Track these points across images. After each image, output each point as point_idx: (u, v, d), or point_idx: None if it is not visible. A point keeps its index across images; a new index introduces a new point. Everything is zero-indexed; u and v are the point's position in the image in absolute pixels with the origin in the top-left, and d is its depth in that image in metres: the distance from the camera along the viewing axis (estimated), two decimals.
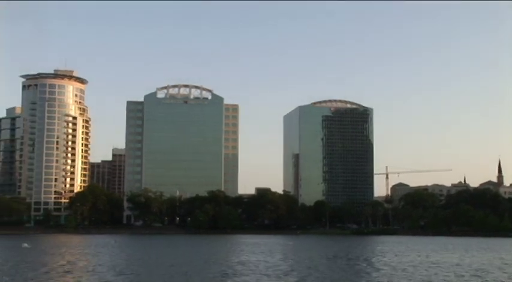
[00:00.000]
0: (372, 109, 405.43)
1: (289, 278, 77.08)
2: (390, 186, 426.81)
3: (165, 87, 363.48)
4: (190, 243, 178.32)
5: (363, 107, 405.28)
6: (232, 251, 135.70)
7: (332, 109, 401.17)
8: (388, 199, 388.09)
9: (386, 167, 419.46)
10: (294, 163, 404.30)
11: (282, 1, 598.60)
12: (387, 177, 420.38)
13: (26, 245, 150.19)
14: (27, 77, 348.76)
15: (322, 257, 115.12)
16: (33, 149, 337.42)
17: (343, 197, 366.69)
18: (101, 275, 78.79)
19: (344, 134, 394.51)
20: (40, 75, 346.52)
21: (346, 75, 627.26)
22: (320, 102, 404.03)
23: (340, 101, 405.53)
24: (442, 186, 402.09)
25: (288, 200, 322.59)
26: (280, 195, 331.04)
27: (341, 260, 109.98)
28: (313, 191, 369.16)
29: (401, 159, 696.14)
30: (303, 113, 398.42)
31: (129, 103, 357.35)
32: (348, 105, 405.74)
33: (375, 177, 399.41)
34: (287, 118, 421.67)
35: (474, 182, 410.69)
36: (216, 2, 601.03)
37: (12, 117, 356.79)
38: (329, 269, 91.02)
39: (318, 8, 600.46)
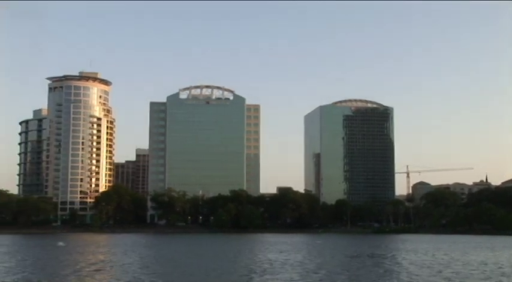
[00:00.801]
0: (392, 108, 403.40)
1: (339, 276, 75.26)
2: (411, 184, 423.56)
3: (188, 88, 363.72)
4: (216, 242, 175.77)
5: (384, 106, 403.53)
6: (267, 250, 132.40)
7: (353, 109, 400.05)
8: (409, 198, 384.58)
9: (407, 166, 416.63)
10: (315, 162, 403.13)
11: (301, 0, 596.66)
12: (408, 176, 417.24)
13: (61, 243, 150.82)
14: (53, 79, 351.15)
15: (358, 256, 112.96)
16: (59, 149, 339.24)
17: (365, 195, 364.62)
18: (139, 272, 77.91)
19: (365, 133, 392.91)
20: (65, 78, 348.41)
21: (367, 75, 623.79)
22: (341, 101, 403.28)
23: (361, 101, 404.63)
24: (464, 184, 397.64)
25: (309, 199, 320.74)
26: (301, 194, 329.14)
27: (378, 258, 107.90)
28: (334, 190, 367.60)
29: (422, 158, 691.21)
30: (323, 112, 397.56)
31: (152, 104, 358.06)
32: (369, 105, 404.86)
33: (396, 176, 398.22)
34: (308, 118, 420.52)
35: (496, 181, 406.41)
36: (237, 2, 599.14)
37: (39, 118, 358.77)
38: (375, 266, 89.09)
39: (338, 7, 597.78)
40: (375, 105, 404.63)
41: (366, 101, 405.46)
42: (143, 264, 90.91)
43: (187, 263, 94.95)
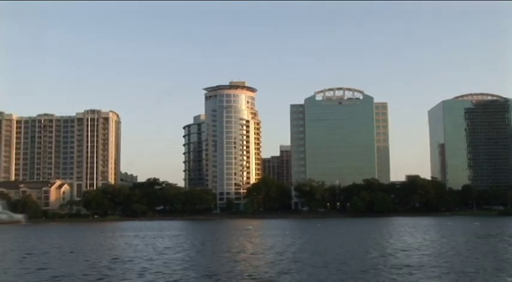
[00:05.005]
0: None
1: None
2: None
3: (322, 91, 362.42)
4: (364, 225, 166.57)
5: (504, 98, 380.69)
6: (417, 231, 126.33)
7: (473, 102, 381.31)
8: None
9: None
10: (440, 152, 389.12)
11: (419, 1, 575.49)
12: None
13: (250, 227, 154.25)
14: (209, 89, 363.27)
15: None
16: (215, 149, 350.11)
17: (489, 181, 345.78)
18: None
19: (486, 124, 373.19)
20: (218, 87, 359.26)
21: (486, 69, 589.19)
22: (462, 96, 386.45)
23: (481, 94, 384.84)
24: None
25: (436, 185, 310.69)
26: (428, 181, 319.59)
27: None
28: (459, 177, 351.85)
29: None
30: (446, 107, 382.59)
31: (291, 106, 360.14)
32: (489, 98, 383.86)
33: None
34: (432, 112, 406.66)
35: None
36: (362, 3, 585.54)
37: (198, 123, 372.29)
38: None
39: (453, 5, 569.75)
40: (495, 98, 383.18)
41: (486, 94, 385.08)
42: (314, 244, 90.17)
43: (352, 240, 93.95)
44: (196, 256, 71.41)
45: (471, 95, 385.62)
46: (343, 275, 50.30)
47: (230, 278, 49.49)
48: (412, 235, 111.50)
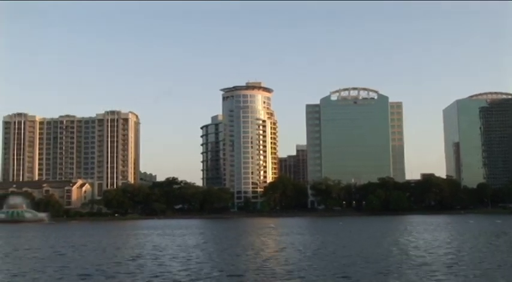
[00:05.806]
0: None
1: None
2: None
3: (337, 91, 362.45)
4: (384, 223, 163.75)
5: None
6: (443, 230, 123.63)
7: (488, 101, 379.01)
8: None
9: None
10: (455, 151, 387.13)
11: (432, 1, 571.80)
12: None
13: (272, 225, 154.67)
14: (226, 90, 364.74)
15: None
16: (233, 148, 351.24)
17: (504, 179, 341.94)
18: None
19: (501, 122, 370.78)
20: (235, 88, 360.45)
21: (500, 67, 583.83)
22: (476, 95, 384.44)
23: (496, 93, 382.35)
24: None
25: (451, 184, 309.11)
26: (443, 179, 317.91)
27: None
28: (474, 175, 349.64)
29: None
30: (460, 106, 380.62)
31: (307, 106, 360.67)
32: (503, 96, 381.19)
33: None
34: (446, 111, 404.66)
35: None
36: (375, 3, 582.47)
37: (215, 123, 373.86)
38: None
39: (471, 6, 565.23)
40: (509, 97, 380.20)
41: (501, 93, 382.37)
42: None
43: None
44: (240, 254, 70.04)
45: (485, 94, 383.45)
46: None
47: (289, 272, 49.32)
48: (440, 233, 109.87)
